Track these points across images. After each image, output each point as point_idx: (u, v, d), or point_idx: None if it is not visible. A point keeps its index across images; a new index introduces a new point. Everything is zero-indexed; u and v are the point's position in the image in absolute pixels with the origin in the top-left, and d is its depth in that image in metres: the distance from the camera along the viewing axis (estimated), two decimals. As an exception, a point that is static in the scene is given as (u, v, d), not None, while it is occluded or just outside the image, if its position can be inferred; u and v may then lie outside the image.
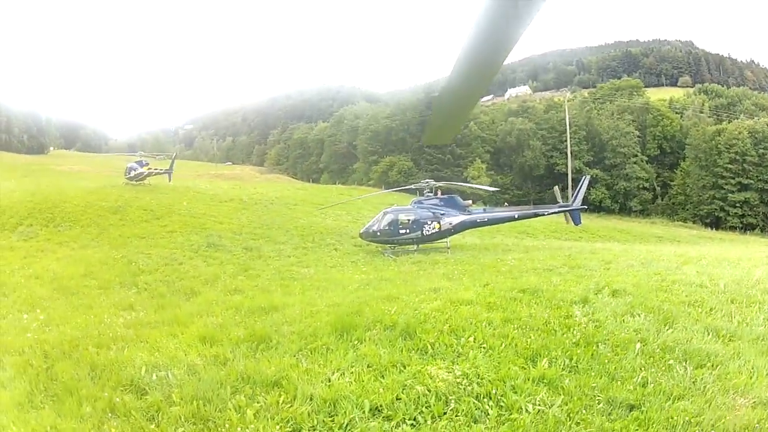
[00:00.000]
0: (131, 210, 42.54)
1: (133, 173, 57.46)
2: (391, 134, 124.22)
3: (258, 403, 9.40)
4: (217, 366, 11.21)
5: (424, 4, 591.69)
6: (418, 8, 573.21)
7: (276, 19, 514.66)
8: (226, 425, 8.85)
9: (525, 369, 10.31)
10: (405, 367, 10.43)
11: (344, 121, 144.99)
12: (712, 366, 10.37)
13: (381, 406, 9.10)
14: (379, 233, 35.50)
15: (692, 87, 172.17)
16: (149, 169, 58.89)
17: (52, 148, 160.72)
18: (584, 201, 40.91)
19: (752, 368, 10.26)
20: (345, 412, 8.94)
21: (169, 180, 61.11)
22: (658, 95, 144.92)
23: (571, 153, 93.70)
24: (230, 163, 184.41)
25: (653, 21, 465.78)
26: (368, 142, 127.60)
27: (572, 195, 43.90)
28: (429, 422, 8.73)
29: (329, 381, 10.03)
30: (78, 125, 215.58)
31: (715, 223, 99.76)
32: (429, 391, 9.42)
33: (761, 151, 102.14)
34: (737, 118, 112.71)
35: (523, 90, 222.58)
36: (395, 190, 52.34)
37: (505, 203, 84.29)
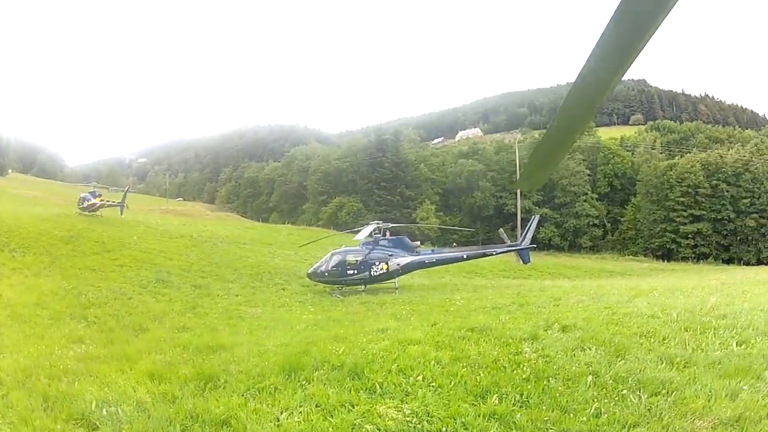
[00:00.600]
0: (83, 241, 42.19)
1: (86, 203, 57.01)
2: (341, 175, 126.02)
3: None
4: (166, 403, 11.16)
5: (378, 48, 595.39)
6: (372, 51, 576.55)
7: (231, 57, 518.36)
8: (176, 464, 8.64)
9: (475, 406, 10.36)
10: (354, 407, 10.43)
11: (295, 162, 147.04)
12: (668, 393, 10.51)
13: None
14: (327, 273, 35.55)
15: (644, 124, 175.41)
16: (102, 200, 58.53)
17: (10, 171, 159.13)
18: (533, 239, 41.26)
19: (710, 391, 10.41)
20: None
21: (121, 213, 60.94)
22: (609, 134, 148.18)
23: (521, 193, 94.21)
24: (181, 199, 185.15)
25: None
26: (318, 182, 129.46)
27: (521, 234, 44.04)
28: (381, 461, 8.59)
29: (278, 421, 10.03)
30: (36, 149, 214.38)
31: (667, 255, 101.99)
32: (379, 430, 9.47)
33: (714, 182, 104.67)
34: (689, 153, 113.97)
35: (474, 132, 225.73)
36: (348, 232, 52.74)
37: (454, 243, 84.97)
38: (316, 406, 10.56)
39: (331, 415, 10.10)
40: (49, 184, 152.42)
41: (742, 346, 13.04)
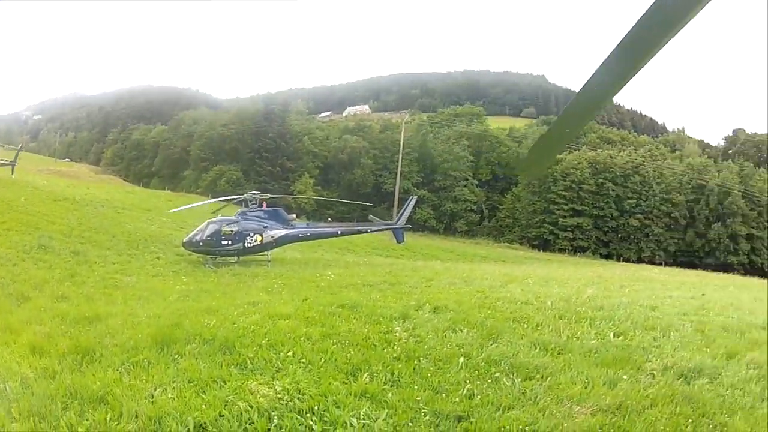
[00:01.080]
0: (-31, 203, 40.67)
1: (-23, 162, 55.43)
2: (225, 142, 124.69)
3: (87, 420, 9.34)
4: (47, 379, 11.04)
5: (271, 15, 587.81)
6: (267, 17, 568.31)
7: (127, 13, 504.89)
8: (60, 445, 8.78)
9: (346, 384, 10.65)
10: (225, 383, 10.58)
11: (182, 126, 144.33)
12: (542, 377, 11.04)
13: (205, 423, 9.21)
14: (201, 243, 35.58)
15: (536, 118, 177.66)
16: (-6, 159, 57.09)
17: None
18: (409, 220, 42.39)
19: (586, 379, 10.99)
20: (170, 430, 9.05)
21: (12, 173, 60.03)
22: (499, 124, 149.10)
23: (401, 173, 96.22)
24: (69, 159, 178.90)
25: (508, 56, 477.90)
26: (202, 148, 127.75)
27: (398, 213, 45.21)
28: (254, 439, 8.92)
29: (152, 397, 10.04)
30: None
31: (544, 245, 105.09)
32: (251, 407, 9.57)
33: (600, 180, 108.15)
34: (578, 150, 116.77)
35: (362, 109, 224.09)
36: (225, 200, 52.71)
37: (329, 219, 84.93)
38: (189, 381, 10.66)
39: (204, 392, 10.20)
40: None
41: (620, 338, 13.84)
